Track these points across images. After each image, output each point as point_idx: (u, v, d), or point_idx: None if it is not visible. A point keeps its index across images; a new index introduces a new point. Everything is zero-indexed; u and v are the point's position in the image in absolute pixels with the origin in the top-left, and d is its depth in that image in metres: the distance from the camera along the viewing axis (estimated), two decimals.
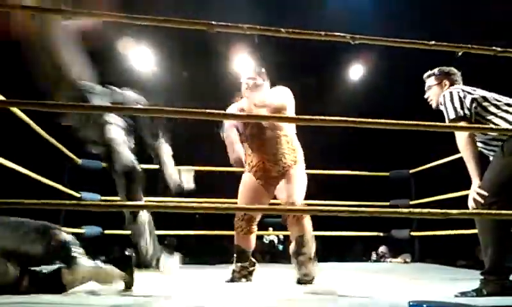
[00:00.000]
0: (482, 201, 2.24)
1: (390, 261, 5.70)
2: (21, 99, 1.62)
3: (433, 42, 1.82)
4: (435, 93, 2.64)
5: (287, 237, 3.30)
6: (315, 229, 2.86)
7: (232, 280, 2.88)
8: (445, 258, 5.44)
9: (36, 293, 2.04)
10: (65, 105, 2.08)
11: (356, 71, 6.61)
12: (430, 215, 1.69)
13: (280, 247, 7.22)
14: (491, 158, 2.41)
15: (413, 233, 5.24)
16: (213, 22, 1.66)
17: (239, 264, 2.92)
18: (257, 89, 2.97)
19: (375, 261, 6.04)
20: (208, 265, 4.76)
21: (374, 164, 5.65)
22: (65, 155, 4.37)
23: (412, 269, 4.47)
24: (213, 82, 6.24)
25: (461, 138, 2.35)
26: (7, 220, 2.19)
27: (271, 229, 6.82)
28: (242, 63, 5.68)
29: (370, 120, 1.76)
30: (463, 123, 2.36)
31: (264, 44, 4.60)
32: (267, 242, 7.91)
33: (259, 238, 3.03)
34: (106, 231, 4.96)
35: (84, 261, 2.18)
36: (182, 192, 2.64)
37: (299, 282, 2.70)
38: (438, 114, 2.55)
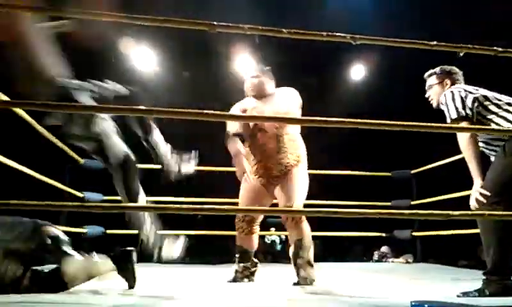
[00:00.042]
0: (485, 201, 2.24)
1: (392, 262, 5.70)
2: (22, 99, 1.62)
3: (435, 42, 1.81)
4: (436, 92, 2.63)
5: (288, 237, 3.29)
6: (317, 229, 2.86)
7: (234, 280, 2.88)
8: (447, 258, 5.43)
9: (38, 292, 2.04)
10: (68, 105, 2.08)
11: (357, 72, 6.60)
12: (432, 217, 1.68)
13: (278, 247, 7.19)
14: (492, 158, 2.41)
15: (414, 234, 5.24)
16: (214, 23, 1.66)
17: (241, 264, 2.91)
18: (262, 88, 2.97)
19: (377, 261, 6.03)
20: (210, 264, 4.77)
21: (375, 164, 5.64)
22: (68, 155, 4.38)
23: (414, 269, 4.46)
24: (213, 82, 6.25)
25: (463, 138, 2.34)
26: (2, 221, 2.20)
27: (273, 229, 6.81)
28: (243, 63, 5.68)
29: (371, 121, 1.76)
30: (464, 123, 2.35)
31: (264, 44, 4.61)
32: (268, 242, 7.90)
33: (261, 238, 3.02)
34: (108, 231, 4.97)
35: (75, 255, 2.19)
36: (182, 179, 2.55)
37: (299, 284, 2.69)
38: (439, 114, 2.55)
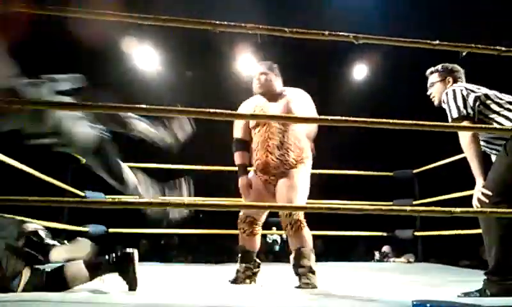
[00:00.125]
0: (487, 201, 2.23)
1: (394, 261, 5.69)
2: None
3: (437, 42, 1.81)
4: (438, 90, 2.62)
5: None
6: (319, 228, 2.83)
7: (236, 280, 2.86)
8: (449, 258, 5.43)
9: (39, 291, 2.05)
10: (70, 104, 2.08)
11: (360, 71, 6.61)
12: (434, 213, 1.68)
13: (277, 247, 7.18)
14: (493, 157, 2.40)
15: (416, 233, 5.23)
16: (216, 22, 1.66)
17: (243, 264, 2.88)
18: (269, 85, 2.93)
19: (378, 260, 6.03)
20: (212, 263, 4.77)
21: (377, 163, 5.64)
22: (69, 154, 4.38)
23: (415, 269, 4.46)
24: (215, 81, 6.25)
25: (465, 137, 2.33)
26: None
27: (274, 228, 6.82)
28: (246, 63, 5.68)
29: (373, 120, 1.76)
30: (466, 122, 2.35)
31: (267, 44, 4.61)
32: (270, 241, 7.91)
33: (262, 237, 3.01)
34: (111, 230, 4.98)
35: (57, 244, 2.19)
36: (178, 145, 2.50)
37: (301, 288, 2.66)
38: (441, 114, 2.54)
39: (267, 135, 2.84)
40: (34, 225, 2.26)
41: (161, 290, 2.36)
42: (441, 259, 5.25)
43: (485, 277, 2.24)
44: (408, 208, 1.75)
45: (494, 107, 2.35)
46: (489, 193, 2.23)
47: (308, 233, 2.73)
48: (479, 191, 2.28)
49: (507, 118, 2.31)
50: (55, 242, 2.21)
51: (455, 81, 2.57)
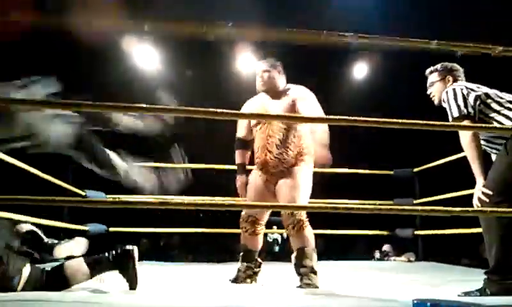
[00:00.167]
0: (487, 200, 2.23)
1: (394, 260, 5.69)
2: None
3: (435, 41, 1.81)
4: (438, 89, 2.61)
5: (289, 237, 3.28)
6: (319, 227, 2.83)
7: (237, 279, 2.84)
8: (449, 257, 5.43)
9: (39, 290, 2.05)
10: (73, 104, 2.07)
11: (360, 70, 6.60)
12: (433, 213, 1.69)
13: (277, 248, 7.17)
14: (493, 156, 2.40)
15: (417, 232, 5.23)
16: (206, 24, 1.65)
17: (245, 264, 2.87)
18: (272, 82, 2.90)
19: (379, 259, 6.02)
20: (212, 262, 4.78)
21: (377, 162, 5.64)
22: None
23: (416, 268, 4.46)
24: (215, 81, 6.25)
25: (465, 136, 2.33)
26: None
27: (275, 227, 6.82)
28: (246, 62, 5.67)
29: (374, 119, 1.76)
30: (466, 121, 2.34)
31: (267, 43, 4.60)
32: (271, 240, 7.91)
33: (263, 236, 3.01)
34: (111, 229, 4.99)
35: (56, 241, 2.20)
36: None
37: (302, 288, 2.66)
38: (441, 112, 2.54)
39: (268, 134, 2.83)
40: (28, 225, 2.26)
41: (161, 290, 2.36)
42: (441, 258, 5.24)
43: (485, 277, 2.24)
44: (408, 207, 1.75)
45: (494, 106, 2.35)
46: (490, 192, 2.23)
47: (310, 233, 2.72)
48: (479, 190, 2.28)
49: (507, 117, 2.31)
50: (54, 240, 2.22)
51: (455, 80, 2.57)
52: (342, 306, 1.86)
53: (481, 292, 2.18)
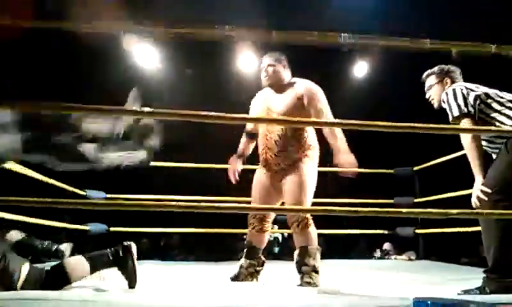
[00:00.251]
0: (486, 199, 2.23)
1: (395, 259, 5.69)
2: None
3: (428, 40, 1.81)
4: (436, 92, 2.62)
5: (290, 236, 3.28)
6: (319, 226, 2.82)
7: (238, 276, 2.82)
8: (450, 255, 5.43)
9: (38, 287, 2.06)
10: (75, 106, 2.07)
11: (360, 70, 6.60)
12: (430, 215, 1.69)
13: (276, 249, 7.16)
14: (494, 157, 2.41)
15: (417, 231, 5.24)
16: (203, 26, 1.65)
17: (248, 260, 2.85)
18: (277, 76, 2.89)
19: (379, 258, 6.03)
20: (212, 262, 4.78)
21: (378, 161, 5.64)
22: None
23: (416, 266, 4.46)
24: (216, 81, 6.24)
25: (466, 137, 2.34)
26: None
27: (276, 227, 6.82)
28: (246, 60, 5.66)
29: (376, 123, 1.76)
30: (467, 120, 2.35)
31: (267, 42, 4.60)
32: (272, 238, 7.90)
33: None
34: (112, 229, 4.99)
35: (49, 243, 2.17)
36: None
37: (302, 287, 2.65)
38: (440, 112, 2.54)
39: (266, 130, 2.84)
40: (18, 234, 2.24)
41: (161, 289, 2.36)
42: (442, 257, 5.25)
43: (484, 275, 2.25)
44: (405, 210, 1.75)
45: (495, 105, 2.36)
46: (489, 190, 2.23)
47: (314, 231, 2.72)
48: (478, 189, 2.28)
49: (508, 116, 2.31)
50: (44, 242, 2.21)
51: (453, 81, 2.57)
52: (342, 305, 1.86)
53: (481, 291, 2.19)
